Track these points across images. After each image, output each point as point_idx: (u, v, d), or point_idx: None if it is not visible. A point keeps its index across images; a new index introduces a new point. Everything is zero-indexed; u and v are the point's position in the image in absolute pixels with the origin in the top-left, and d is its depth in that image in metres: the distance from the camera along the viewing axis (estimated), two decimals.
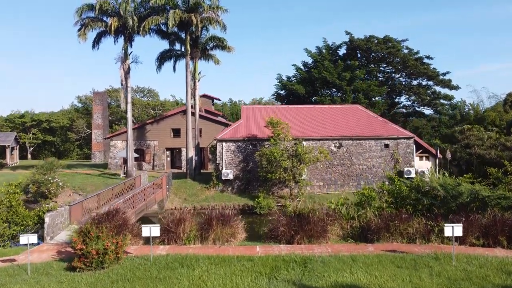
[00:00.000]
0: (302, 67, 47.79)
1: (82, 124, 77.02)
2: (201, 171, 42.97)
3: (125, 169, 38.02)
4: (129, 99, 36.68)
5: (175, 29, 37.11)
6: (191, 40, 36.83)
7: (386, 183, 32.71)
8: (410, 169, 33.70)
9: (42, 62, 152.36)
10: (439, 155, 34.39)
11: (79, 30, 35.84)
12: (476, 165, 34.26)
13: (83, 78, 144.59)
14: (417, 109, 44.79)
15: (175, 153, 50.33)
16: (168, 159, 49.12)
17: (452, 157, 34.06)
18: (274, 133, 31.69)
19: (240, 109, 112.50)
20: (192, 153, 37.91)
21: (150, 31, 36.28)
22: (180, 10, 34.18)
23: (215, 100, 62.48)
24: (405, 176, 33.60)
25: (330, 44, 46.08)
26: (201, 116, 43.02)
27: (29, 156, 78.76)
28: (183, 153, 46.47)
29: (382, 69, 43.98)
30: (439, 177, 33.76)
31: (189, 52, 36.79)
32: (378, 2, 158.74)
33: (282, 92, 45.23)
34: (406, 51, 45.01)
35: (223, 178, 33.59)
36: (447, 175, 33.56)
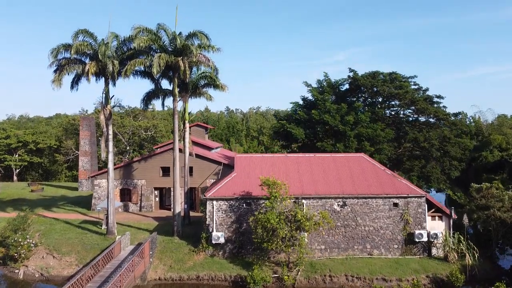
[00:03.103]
0: (301, 102, 44.32)
1: (71, 145, 73.50)
2: (192, 215, 39.47)
3: (107, 220, 34.41)
4: (111, 148, 33.06)
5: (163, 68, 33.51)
6: (180, 82, 33.25)
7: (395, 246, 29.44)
8: (422, 232, 30.27)
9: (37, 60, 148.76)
10: (453, 215, 30.93)
11: (54, 72, 32.30)
12: (494, 227, 30.84)
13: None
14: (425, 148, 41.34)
15: (164, 192, 46.78)
16: (157, 199, 45.55)
17: (468, 218, 30.61)
18: (271, 194, 28.24)
19: (237, 121, 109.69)
20: (179, 199, 34.30)
21: (134, 73, 32.66)
22: (166, 53, 30.58)
23: (208, 129, 58.88)
24: (416, 240, 30.39)
25: (333, 82, 42.53)
26: (191, 153, 39.47)
27: (15, 178, 75.26)
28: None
29: (388, 108, 40.39)
30: (453, 242, 30.60)
31: (177, 96, 33.23)
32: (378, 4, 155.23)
33: (281, 130, 41.65)
34: (414, 86, 41.64)
35: (213, 242, 30.08)
36: (462, 240, 30.43)
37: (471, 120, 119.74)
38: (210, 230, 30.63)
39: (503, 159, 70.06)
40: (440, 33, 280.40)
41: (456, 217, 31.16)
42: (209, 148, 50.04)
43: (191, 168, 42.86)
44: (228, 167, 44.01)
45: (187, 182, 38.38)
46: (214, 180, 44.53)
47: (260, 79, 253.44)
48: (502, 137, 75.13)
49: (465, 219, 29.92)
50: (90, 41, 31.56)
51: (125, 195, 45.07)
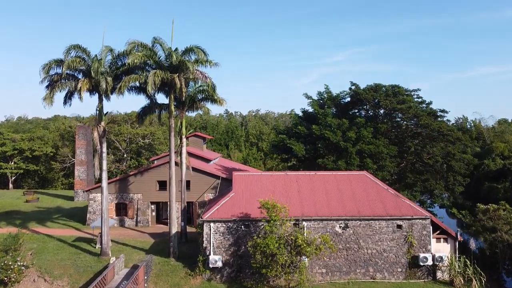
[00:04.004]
0: (301, 114, 43.16)
1: (67, 153, 72.38)
2: (189, 230, 38.40)
3: (101, 239, 33.28)
4: (105, 166, 31.93)
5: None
6: (176, 98, 32.14)
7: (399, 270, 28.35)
8: (427, 255, 29.18)
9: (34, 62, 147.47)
10: (459, 237, 29.87)
11: (46, 87, 31.20)
12: (501, 249, 29.80)
13: None
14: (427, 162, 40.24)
15: (161, 205, 45.70)
16: (153, 213, 44.46)
17: (474, 241, 29.56)
18: (270, 218, 27.17)
19: (236, 125, 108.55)
20: (176, 219, 33.19)
21: (129, 89, 31.53)
22: (161, 70, 29.45)
23: (206, 139, 57.75)
24: (421, 263, 29.34)
25: (334, 95, 41.35)
26: (188, 168, 38.36)
27: (10, 186, 74.12)
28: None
29: (390, 122, 39.22)
30: (458, 266, 29.54)
31: (173, 113, 32.13)
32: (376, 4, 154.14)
33: (281, 144, 40.50)
34: (417, 99, 40.53)
35: (210, 265, 29.00)
36: (469, 264, 29.36)
37: (472, 124, 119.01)
38: (207, 253, 29.55)
39: (506, 168, 69.09)
40: (440, 33, 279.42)
41: (462, 239, 30.12)
42: (207, 160, 48.96)
43: (188, 182, 41.81)
44: (227, 181, 42.97)
45: (184, 199, 37.31)
46: (213, 195, 43.54)
47: (259, 79, 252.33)
48: (504, 145, 74.16)
49: (472, 243, 28.89)
50: (83, 56, 30.42)
51: (121, 209, 44.01)
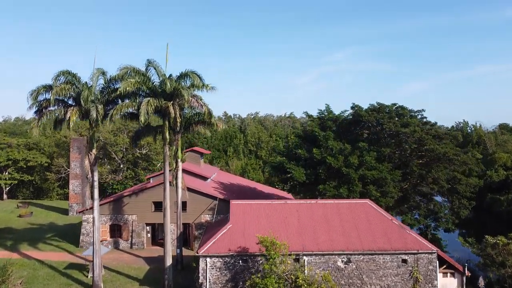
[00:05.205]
0: (301, 133, 41.77)
1: (62, 163, 70.87)
2: (185, 254, 37.09)
3: (93, 269, 31.86)
4: (96, 195, 30.50)
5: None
6: (170, 126, 30.71)
7: None
8: None
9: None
10: (467, 273, 28.59)
11: (35, 113, 29.83)
12: (510, 284, 28.52)
13: None
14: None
15: (157, 226, 44.31)
16: (149, 235, 43.10)
17: (483, 276, 28.29)
18: (269, 256, 25.80)
19: (234, 130, 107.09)
20: (170, 252, 31.84)
21: (121, 115, 30.06)
22: (155, 98, 28.02)
23: (204, 154, 56.38)
24: None
25: (335, 115, 39.89)
26: (184, 190, 36.99)
27: (5, 196, 72.66)
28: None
29: (394, 145, 37.84)
30: None
31: (167, 140, 30.72)
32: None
33: (280, 166, 39.13)
34: (421, 118, 39.18)
35: None
36: None
37: (472, 129, 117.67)
38: None
39: (509, 179, 67.68)
40: (440, 32, 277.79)
41: (469, 274, 28.83)
42: (204, 178, 47.62)
43: (184, 203, 40.45)
44: (224, 202, 41.65)
45: (180, 226, 35.92)
46: (210, 216, 42.24)
47: (258, 79, 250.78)
48: (507, 155, 72.71)
49: (481, 282, 27.60)
50: (73, 82, 28.95)
51: (115, 231, 42.68)
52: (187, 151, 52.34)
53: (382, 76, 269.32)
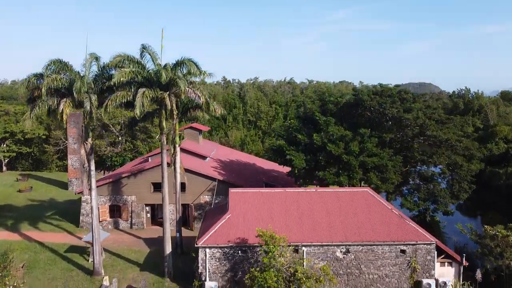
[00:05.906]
0: (301, 114, 40.97)
1: (60, 135, 70.35)
2: (184, 235, 37.30)
3: (93, 254, 32.07)
4: (93, 185, 30.21)
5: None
6: (166, 115, 29.91)
7: None
8: (430, 281, 28.16)
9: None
10: (464, 262, 28.78)
11: (27, 103, 29.04)
12: (507, 274, 28.76)
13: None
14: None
15: (156, 206, 44.34)
16: (148, 215, 43.23)
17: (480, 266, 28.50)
18: (269, 249, 25.83)
19: (233, 97, 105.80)
20: (169, 240, 31.95)
21: (117, 105, 29.14)
22: (151, 88, 27.07)
23: (202, 131, 55.67)
24: None
25: (336, 100, 38.84)
26: (183, 176, 36.74)
27: (4, 168, 72.63)
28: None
29: (395, 131, 37.13)
30: None
31: (164, 129, 30.04)
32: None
33: (280, 149, 38.62)
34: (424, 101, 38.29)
35: None
36: None
37: (473, 95, 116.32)
38: (203, 279, 28.49)
39: (509, 153, 67.23)
40: None
41: (466, 264, 29.03)
42: (203, 157, 47.26)
43: (183, 184, 40.28)
44: (223, 184, 41.53)
45: (179, 210, 35.86)
46: (209, 197, 42.23)
47: (258, 39, 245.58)
48: (509, 128, 71.79)
49: (478, 275, 27.77)
50: (65, 71, 27.91)
51: (115, 211, 42.80)
52: (186, 128, 51.70)
53: (383, 35, 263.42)
